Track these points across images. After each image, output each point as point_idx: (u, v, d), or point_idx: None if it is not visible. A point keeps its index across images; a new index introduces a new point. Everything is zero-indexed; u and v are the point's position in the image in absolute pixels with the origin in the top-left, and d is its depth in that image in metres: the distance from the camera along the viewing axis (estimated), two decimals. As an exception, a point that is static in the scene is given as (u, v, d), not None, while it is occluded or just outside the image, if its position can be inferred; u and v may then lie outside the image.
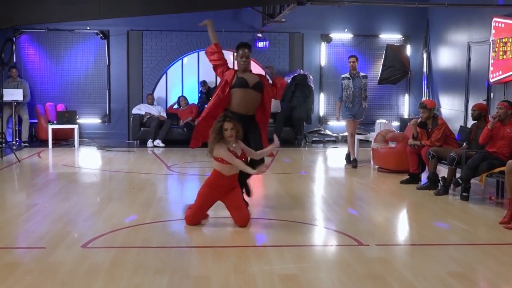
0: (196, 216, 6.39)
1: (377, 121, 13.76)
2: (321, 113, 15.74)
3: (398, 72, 14.35)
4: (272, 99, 7.32)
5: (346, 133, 15.26)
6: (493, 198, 8.20)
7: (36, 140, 14.54)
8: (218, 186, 6.34)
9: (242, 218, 6.34)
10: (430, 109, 9.03)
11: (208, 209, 6.48)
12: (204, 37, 15.16)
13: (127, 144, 14.48)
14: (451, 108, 13.94)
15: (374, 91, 15.17)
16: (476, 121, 8.49)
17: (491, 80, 11.46)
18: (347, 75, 10.86)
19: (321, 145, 14.94)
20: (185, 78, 15.54)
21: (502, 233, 6.29)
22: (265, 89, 7.00)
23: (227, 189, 6.37)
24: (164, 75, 15.44)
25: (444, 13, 14.11)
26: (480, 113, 8.41)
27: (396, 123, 15.09)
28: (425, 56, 15.51)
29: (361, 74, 10.93)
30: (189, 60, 15.52)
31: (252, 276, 4.80)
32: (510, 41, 10.74)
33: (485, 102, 11.40)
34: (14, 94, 13.32)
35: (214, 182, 6.36)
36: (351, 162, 10.93)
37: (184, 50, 15.23)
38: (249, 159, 6.68)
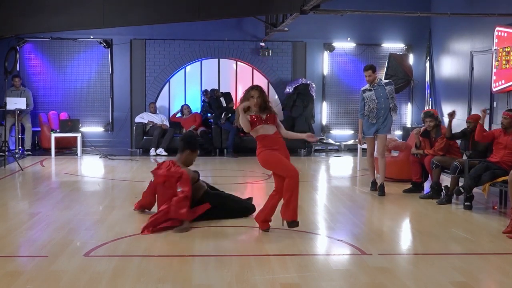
0: (291, 168, 6.34)
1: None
2: (324, 122, 15.74)
3: (400, 81, 14.37)
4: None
5: (349, 142, 15.44)
6: (496, 207, 8.18)
7: (39, 149, 14.56)
8: (269, 145, 6.40)
9: (295, 171, 6.39)
10: (436, 117, 9.06)
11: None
12: (206, 46, 15.24)
13: (130, 153, 14.50)
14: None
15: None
16: (472, 132, 8.49)
17: (494, 89, 11.46)
18: (367, 86, 9.18)
19: (324, 154, 14.93)
20: (188, 87, 15.57)
21: (506, 242, 6.26)
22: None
23: (276, 150, 6.42)
24: (167, 84, 15.47)
25: (447, 22, 14.14)
26: (476, 124, 8.41)
27: (398, 132, 15.08)
28: (427, 65, 15.52)
29: (384, 81, 9.33)
30: (192, 69, 15.56)
31: (254, 285, 4.78)
32: (513, 50, 10.76)
33: (478, 113, 11.35)
34: (17, 103, 13.37)
35: (264, 143, 6.41)
36: (378, 189, 9.07)
37: (187, 59, 15.28)
38: None
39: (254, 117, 6.44)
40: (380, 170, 9.16)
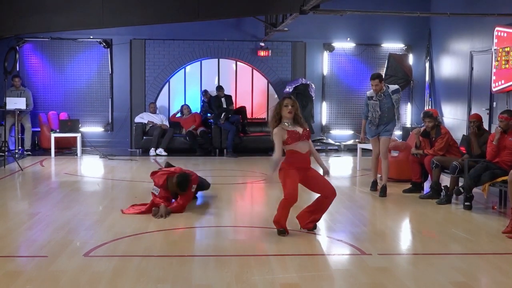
0: (293, 196, 6.28)
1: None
2: (324, 122, 15.74)
3: (400, 81, 14.36)
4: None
5: (349, 142, 15.44)
6: (496, 207, 8.18)
7: (39, 149, 14.55)
8: (296, 164, 6.31)
9: (332, 191, 6.45)
10: (436, 117, 9.04)
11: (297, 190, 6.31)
12: (206, 46, 15.23)
13: (130, 153, 14.49)
14: (454, 117, 13.94)
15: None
16: (473, 131, 8.46)
17: (494, 89, 11.46)
18: (373, 94, 8.98)
19: (324, 154, 14.93)
20: (188, 87, 15.57)
21: (505, 242, 6.27)
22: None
23: (304, 169, 6.37)
24: (167, 84, 15.47)
25: (446, 22, 14.14)
26: (480, 123, 8.41)
27: (398, 132, 15.07)
28: (427, 65, 15.53)
29: (391, 88, 8.98)
30: (192, 69, 15.56)
31: (254, 285, 4.78)
32: (513, 50, 10.76)
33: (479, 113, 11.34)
34: (17, 103, 13.37)
35: (291, 161, 6.32)
36: (380, 190, 9.01)
37: (187, 59, 15.27)
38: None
39: (289, 135, 6.26)
40: (383, 172, 9.09)
